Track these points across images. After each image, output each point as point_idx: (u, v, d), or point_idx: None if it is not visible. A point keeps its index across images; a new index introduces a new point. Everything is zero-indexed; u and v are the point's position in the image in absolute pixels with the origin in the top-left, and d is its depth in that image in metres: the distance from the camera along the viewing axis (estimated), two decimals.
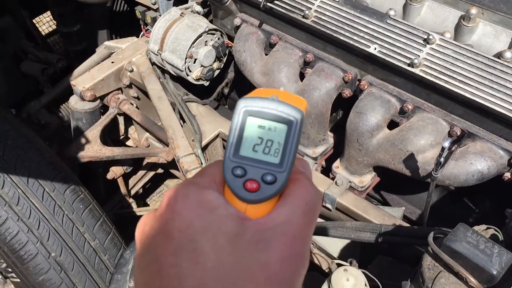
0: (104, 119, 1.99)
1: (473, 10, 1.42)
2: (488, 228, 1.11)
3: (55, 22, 2.88)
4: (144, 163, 2.33)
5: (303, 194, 0.47)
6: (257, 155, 0.47)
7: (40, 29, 2.83)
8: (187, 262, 0.42)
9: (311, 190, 0.48)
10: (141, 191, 2.52)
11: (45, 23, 3.00)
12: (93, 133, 1.94)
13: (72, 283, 1.53)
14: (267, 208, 0.47)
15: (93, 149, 1.91)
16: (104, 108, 2.06)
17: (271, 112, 0.47)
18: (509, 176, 1.33)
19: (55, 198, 1.55)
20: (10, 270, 1.92)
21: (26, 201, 1.50)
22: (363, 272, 1.23)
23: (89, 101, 1.92)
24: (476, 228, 1.09)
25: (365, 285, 1.20)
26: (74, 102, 1.94)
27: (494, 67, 1.29)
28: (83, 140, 1.92)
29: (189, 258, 0.42)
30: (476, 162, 1.32)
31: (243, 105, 0.47)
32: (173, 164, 1.92)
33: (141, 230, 0.48)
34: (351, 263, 1.24)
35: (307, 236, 0.46)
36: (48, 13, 2.77)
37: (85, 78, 1.92)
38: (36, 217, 1.50)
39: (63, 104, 2.33)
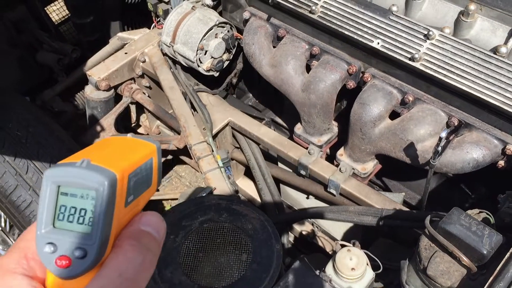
0: (118, 108, 2.08)
1: (472, 6, 1.50)
2: (480, 212, 1.20)
3: (64, 9, 2.95)
4: None
5: (118, 264, 0.44)
6: (72, 226, 0.45)
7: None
8: None
9: (132, 257, 0.44)
10: None
11: (55, 9, 3.06)
12: (108, 121, 2.03)
13: None
14: (85, 281, 0.44)
15: (108, 137, 2.00)
16: (117, 97, 2.14)
17: (77, 180, 0.44)
18: (503, 164, 1.41)
19: None
20: None
21: None
22: (365, 253, 1.32)
23: (104, 90, 2.01)
24: (469, 212, 1.18)
25: (367, 264, 1.30)
26: (89, 91, 2.03)
27: (490, 62, 1.37)
28: (98, 128, 2.01)
29: None
30: (472, 150, 1.41)
31: (49, 175, 0.45)
32: (182, 151, 2.01)
33: None
34: (354, 244, 1.33)
35: None
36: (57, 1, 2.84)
37: (100, 69, 2.01)
38: None
39: (78, 93, 2.41)
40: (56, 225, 0.45)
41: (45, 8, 2.72)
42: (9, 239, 2.02)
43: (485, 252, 1.06)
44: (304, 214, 1.82)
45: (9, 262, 0.44)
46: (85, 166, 0.44)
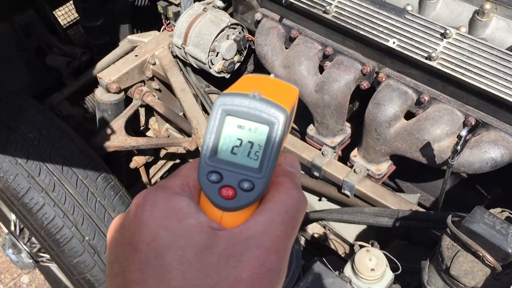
0: (128, 110, 2.07)
1: (487, 5, 1.49)
2: (503, 211, 1.19)
3: (71, 14, 2.95)
4: (163, 153, 2.42)
5: (284, 201, 0.44)
6: (236, 158, 0.43)
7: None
8: (153, 279, 0.39)
9: (294, 195, 0.44)
10: (159, 180, 2.60)
11: (63, 13, 3.06)
12: (118, 124, 2.02)
13: (105, 265, 1.62)
14: (245, 216, 0.43)
15: (119, 139, 1.99)
16: (127, 100, 2.13)
17: (250, 112, 0.42)
18: None
19: (88, 185, 1.63)
20: (40, 254, 2.01)
21: (61, 188, 1.59)
22: (383, 253, 1.31)
23: (114, 93, 2.00)
24: (492, 211, 1.17)
25: (386, 265, 1.28)
26: (100, 94, 2.02)
27: (508, 60, 1.36)
28: (108, 131, 2.00)
29: (155, 274, 0.40)
30: (490, 150, 1.39)
31: (221, 103, 0.43)
32: (191, 153, 2.00)
33: (111, 236, 0.45)
34: (372, 245, 1.32)
35: (284, 248, 0.42)
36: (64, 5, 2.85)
37: (111, 71, 2.00)
38: (71, 203, 1.59)
39: (87, 97, 2.40)
40: (220, 156, 0.43)
41: (53, 12, 2.72)
42: (19, 242, 2.01)
43: (510, 251, 1.05)
44: (318, 216, 1.81)
45: (175, 186, 0.44)
46: (259, 99, 0.42)
